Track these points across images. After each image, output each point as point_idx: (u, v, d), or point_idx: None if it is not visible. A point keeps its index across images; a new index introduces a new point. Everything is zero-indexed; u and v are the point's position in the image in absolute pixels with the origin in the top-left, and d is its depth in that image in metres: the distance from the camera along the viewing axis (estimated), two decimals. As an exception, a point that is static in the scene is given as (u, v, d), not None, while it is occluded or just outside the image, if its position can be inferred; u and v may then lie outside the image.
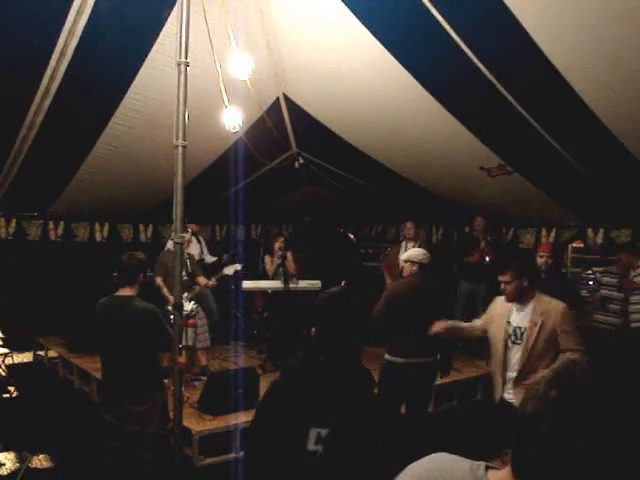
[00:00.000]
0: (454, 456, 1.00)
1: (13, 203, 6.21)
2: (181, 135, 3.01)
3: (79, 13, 3.69)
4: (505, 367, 3.32)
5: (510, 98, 4.12)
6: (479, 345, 5.25)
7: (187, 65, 3.03)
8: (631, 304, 5.18)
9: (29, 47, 3.87)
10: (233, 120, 4.20)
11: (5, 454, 4.41)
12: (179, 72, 3.02)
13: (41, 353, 7.20)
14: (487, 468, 0.95)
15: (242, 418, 4.35)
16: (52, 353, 6.95)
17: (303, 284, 6.39)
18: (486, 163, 5.33)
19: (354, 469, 1.57)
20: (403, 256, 4.61)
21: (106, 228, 7.18)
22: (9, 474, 4.12)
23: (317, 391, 1.65)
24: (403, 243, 6.78)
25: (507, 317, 3.35)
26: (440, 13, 3.51)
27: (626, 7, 3.07)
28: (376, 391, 1.81)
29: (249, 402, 4.39)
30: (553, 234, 6.36)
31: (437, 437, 4.04)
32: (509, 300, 3.32)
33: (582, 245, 6.39)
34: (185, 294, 5.21)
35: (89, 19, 3.73)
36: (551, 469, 0.80)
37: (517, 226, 6.71)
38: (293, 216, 9.01)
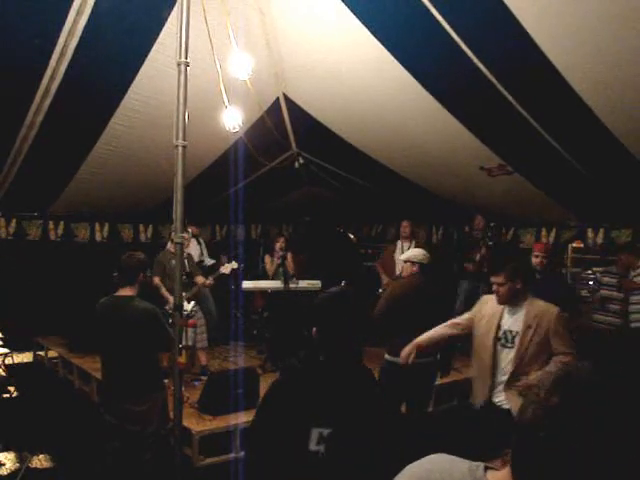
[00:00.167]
0: (453, 457, 1.00)
1: (13, 203, 6.21)
2: (181, 135, 3.01)
3: (79, 13, 3.69)
4: (494, 370, 3.24)
5: (510, 98, 4.12)
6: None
7: (187, 65, 3.03)
8: (631, 304, 5.19)
9: (29, 47, 3.87)
10: (233, 120, 4.20)
11: (5, 454, 4.41)
12: (179, 72, 3.02)
13: (41, 353, 7.20)
14: (486, 469, 0.95)
15: (242, 418, 4.35)
16: (52, 353, 6.95)
17: (303, 284, 6.39)
18: (486, 163, 5.33)
19: (356, 469, 1.57)
20: (403, 256, 4.61)
21: (106, 228, 7.17)
22: (9, 474, 4.12)
23: (318, 391, 1.65)
24: (399, 242, 6.77)
25: (498, 319, 3.27)
26: (440, 13, 3.50)
27: (626, 7, 3.07)
28: (378, 390, 1.81)
29: (249, 402, 4.39)
30: (553, 234, 6.36)
31: (437, 437, 4.04)
32: (501, 302, 3.24)
33: (582, 245, 6.39)
34: (183, 294, 5.21)
35: (89, 19, 3.72)
36: (551, 472, 0.80)
37: (517, 226, 6.71)
38: (293, 216, 9.01)
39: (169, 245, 5.84)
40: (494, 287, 3.23)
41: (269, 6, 4.16)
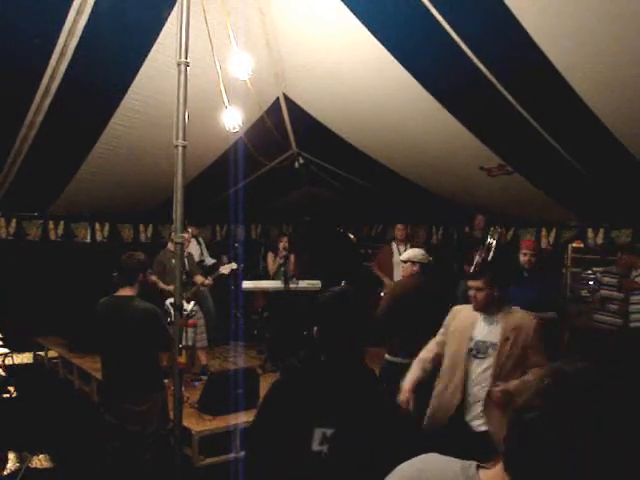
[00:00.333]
0: (445, 457, 1.00)
1: (13, 203, 6.21)
2: (181, 135, 3.01)
3: (79, 13, 3.68)
4: (465, 383, 3.05)
5: (510, 98, 4.12)
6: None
7: (187, 65, 3.03)
8: (631, 304, 5.19)
9: (29, 47, 3.87)
10: (233, 120, 4.20)
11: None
12: (179, 72, 3.02)
13: (41, 353, 7.20)
14: (478, 467, 0.95)
15: (242, 418, 4.36)
16: (52, 353, 6.95)
17: (303, 284, 6.40)
18: (486, 163, 5.33)
19: (359, 469, 1.57)
20: (403, 256, 4.61)
21: (106, 228, 7.17)
22: (9, 474, 4.12)
23: (320, 391, 1.65)
24: (394, 245, 6.76)
25: (470, 330, 3.09)
26: (440, 13, 3.50)
27: (626, 8, 3.07)
28: (380, 390, 1.81)
29: (249, 402, 4.39)
30: (553, 234, 6.36)
31: (437, 437, 4.03)
32: (477, 308, 3.08)
33: (582, 245, 6.39)
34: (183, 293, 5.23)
35: (89, 19, 3.72)
36: (541, 460, 0.80)
37: (517, 226, 6.71)
38: (293, 216, 9.01)
39: (169, 245, 5.85)
40: (471, 292, 3.08)
41: (269, 6, 4.16)
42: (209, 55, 3.75)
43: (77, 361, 6.15)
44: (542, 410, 0.81)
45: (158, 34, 4.03)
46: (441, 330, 3.34)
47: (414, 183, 6.39)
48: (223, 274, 5.84)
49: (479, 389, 3.04)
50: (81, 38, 3.86)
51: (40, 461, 4.39)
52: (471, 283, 3.08)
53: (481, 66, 3.85)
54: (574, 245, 6.61)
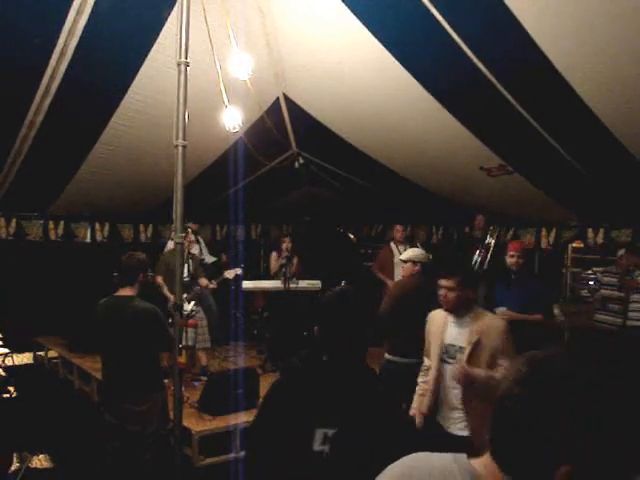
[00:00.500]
0: (437, 453, 1.01)
1: (13, 203, 6.21)
2: (181, 135, 3.01)
3: (79, 13, 3.68)
4: (437, 386, 3.03)
5: (510, 98, 4.12)
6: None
7: (187, 65, 3.03)
8: (631, 303, 5.19)
9: (29, 47, 3.87)
10: (233, 120, 4.20)
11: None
12: (179, 72, 3.02)
13: (41, 353, 7.20)
14: (469, 457, 0.97)
15: (242, 418, 4.36)
16: (52, 353, 6.95)
17: (303, 284, 6.40)
18: (486, 163, 5.33)
19: (361, 469, 1.57)
20: (403, 256, 4.61)
21: (106, 228, 7.18)
22: (9, 474, 4.12)
23: (321, 391, 1.65)
24: (392, 245, 6.76)
25: (442, 334, 3.05)
26: (440, 13, 3.50)
27: (626, 8, 3.07)
28: (381, 390, 1.80)
29: (249, 402, 4.40)
30: (553, 234, 6.36)
31: (436, 437, 4.03)
32: (447, 308, 3.02)
33: (582, 245, 6.39)
34: (185, 295, 5.23)
35: (89, 19, 3.72)
36: (524, 446, 0.83)
37: (517, 226, 6.71)
38: (293, 216, 9.01)
39: (171, 244, 5.85)
40: (442, 291, 3.01)
41: (269, 6, 4.16)
42: (209, 55, 3.75)
43: (77, 361, 6.15)
44: (521, 397, 0.84)
45: (158, 34, 4.03)
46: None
47: (414, 183, 6.39)
48: (227, 279, 5.88)
49: (450, 393, 3.01)
50: (81, 38, 3.86)
51: (40, 461, 4.39)
52: (443, 282, 3.01)
53: (481, 66, 3.85)
54: (574, 245, 6.62)
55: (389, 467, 1.03)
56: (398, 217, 7.07)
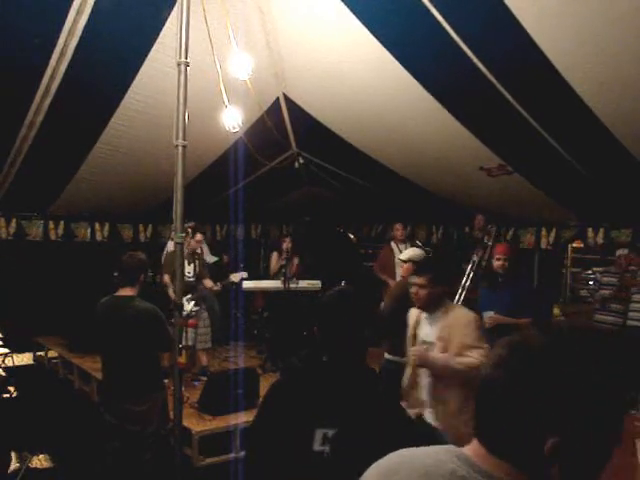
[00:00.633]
0: (421, 447, 1.01)
1: (13, 203, 6.21)
2: (181, 135, 3.01)
3: (79, 13, 3.69)
4: (414, 385, 3.07)
5: (510, 98, 4.12)
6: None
7: (187, 65, 3.04)
8: (631, 302, 5.20)
9: (29, 47, 3.87)
10: (233, 120, 4.20)
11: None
12: (179, 72, 3.02)
13: (41, 353, 7.20)
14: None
15: (242, 418, 4.36)
16: (52, 353, 6.95)
17: (303, 284, 6.40)
18: (486, 163, 5.33)
19: (361, 469, 1.56)
20: (403, 256, 4.61)
21: (106, 228, 7.18)
22: (9, 474, 4.12)
23: (321, 391, 1.65)
24: (393, 244, 6.76)
25: (415, 329, 3.08)
26: (440, 13, 3.50)
27: (627, 8, 3.07)
28: (381, 390, 1.80)
29: (249, 402, 4.39)
30: (553, 234, 6.35)
31: (436, 437, 4.03)
32: (419, 306, 3.03)
33: (582, 245, 6.39)
34: (189, 295, 5.25)
35: (89, 19, 3.72)
36: (508, 428, 0.85)
37: (517, 226, 6.71)
38: (293, 216, 9.01)
39: (169, 243, 5.86)
40: (413, 289, 3.00)
41: (269, 6, 4.16)
42: (209, 55, 3.75)
43: (77, 361, 6.15)
44: (502, 380, 0.86)
45: (158, 34, 4.03)
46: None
47: (414, 183, 6.39)
48: (233, 282, 5.90)
49: (424, 391, 3.03)
50: (81, 38, 3.86)
51: (40, 461, 4.39)
52: (415, 279, 3.00)
53: (481, 66, 3.85)
54: (574, 245, 6.62)
55: (374, 464, 1.04)
56: (398, 217, 7.06)
